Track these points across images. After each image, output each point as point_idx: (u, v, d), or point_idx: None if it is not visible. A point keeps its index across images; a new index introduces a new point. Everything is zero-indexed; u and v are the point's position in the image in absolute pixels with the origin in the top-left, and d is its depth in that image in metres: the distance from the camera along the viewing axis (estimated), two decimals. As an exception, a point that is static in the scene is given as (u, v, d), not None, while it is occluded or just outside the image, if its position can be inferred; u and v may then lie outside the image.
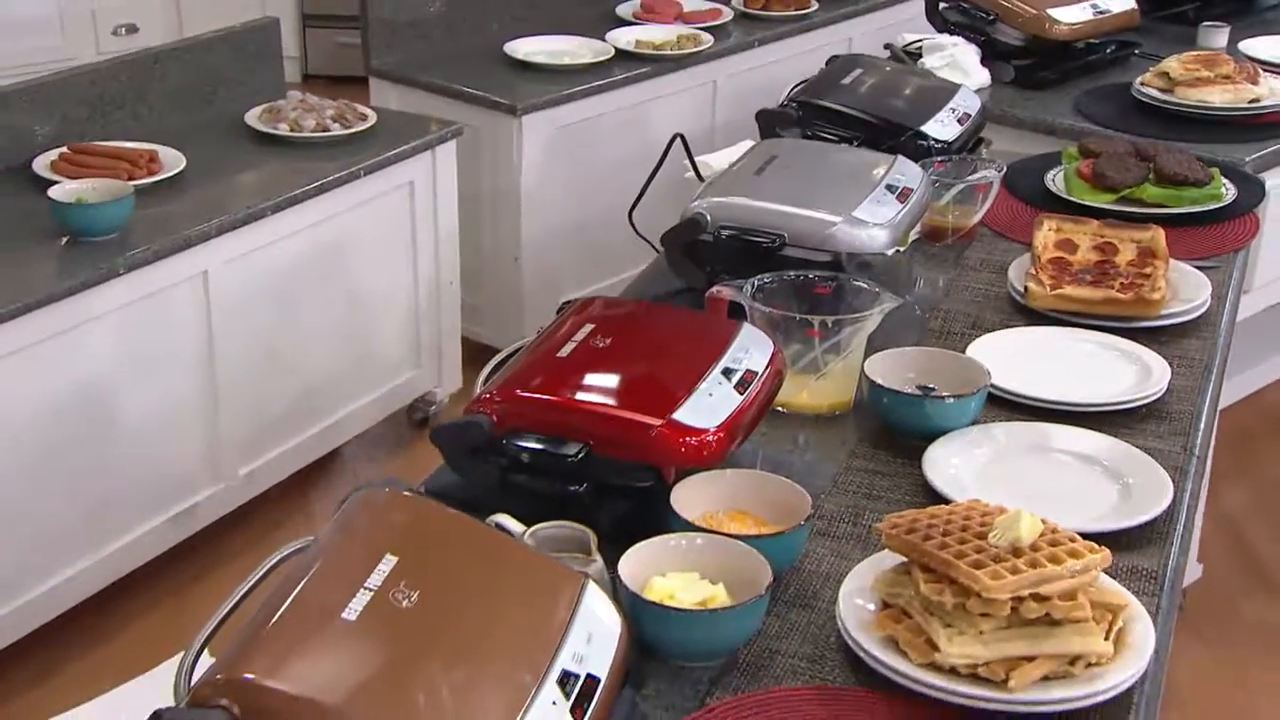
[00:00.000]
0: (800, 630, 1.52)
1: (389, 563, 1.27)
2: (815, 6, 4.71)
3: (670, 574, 1.49)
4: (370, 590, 1.24)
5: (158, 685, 1.29)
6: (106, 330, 2.93)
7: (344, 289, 3.51)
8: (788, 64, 4.33)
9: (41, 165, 3.22)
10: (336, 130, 3.54)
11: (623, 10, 4.60)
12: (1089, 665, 1.41)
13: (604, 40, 4.26)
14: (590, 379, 1.67)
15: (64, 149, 3.28)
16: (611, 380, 1.67)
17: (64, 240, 2.95)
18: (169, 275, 3.02)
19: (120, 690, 1.45)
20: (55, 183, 3.05)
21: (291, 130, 3.52)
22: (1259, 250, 2.98)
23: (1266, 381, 4.14)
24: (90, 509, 3.00)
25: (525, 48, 4.18)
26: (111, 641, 3.09)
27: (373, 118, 3.62)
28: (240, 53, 3.78)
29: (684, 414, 1.60)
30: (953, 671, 1.39)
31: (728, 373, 1.69)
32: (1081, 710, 1.39)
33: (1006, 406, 1.91)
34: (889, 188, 2.15)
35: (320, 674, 1.16)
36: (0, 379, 2.75)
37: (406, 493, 1.41)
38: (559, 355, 1.71)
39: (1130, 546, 1.63)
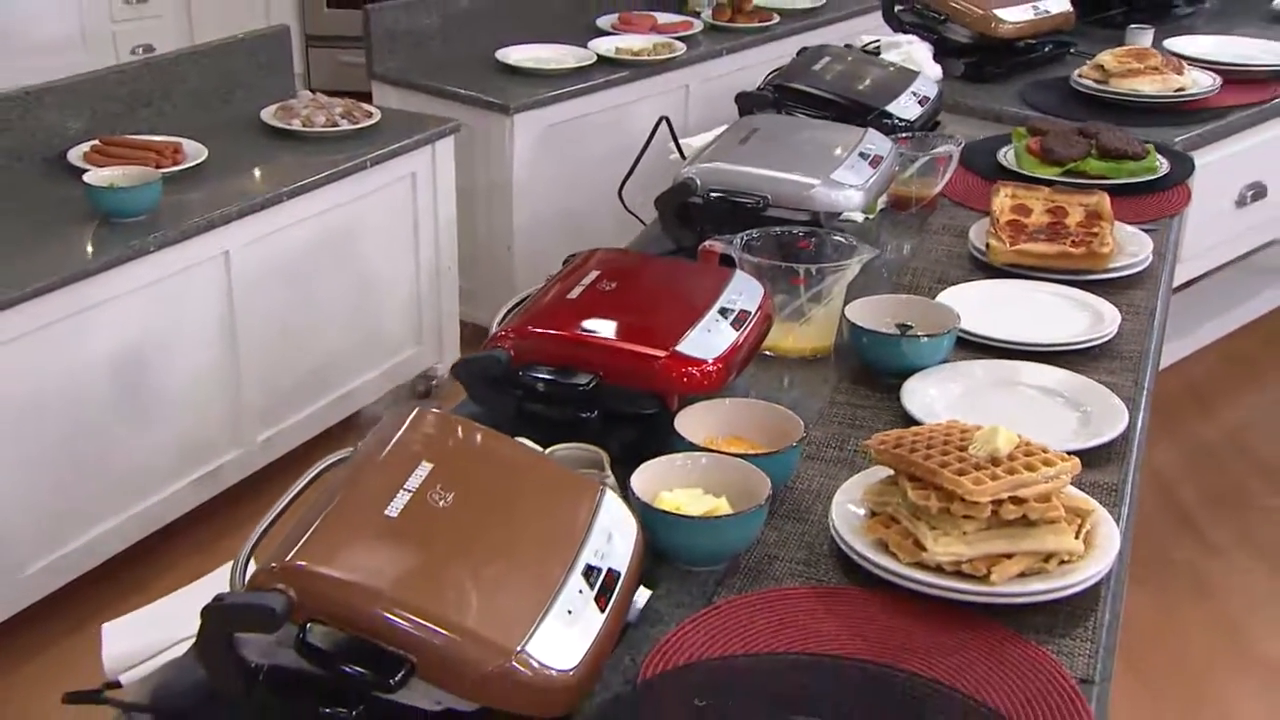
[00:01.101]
0: (795, 539, 1.51)
1: (425, 468, 1.26)
2: (776, 20, 4.72)
3: (676, 489, 1.48)
4: (409, 491, 1.22)
5: (207, 592, 1.27)
6: (137, 304, 2.89)
7: (352, 271, 3.48)
8: (753, 70, 4.27)
9: (75, 156, 3.18)
10: (345, 126, 3.51)
11: (602, 22, 4.59)
12: (1062, 562, 1.41)
13: (586, 48, 4.25)
14: (599, 317, 1.65)
15: (95, 141, 3.24)
16: (618, 318, 1.66)
17: (98, 222, 2.91)
18: (194, 255, 2.99)
19: (173, 595, 1.42)
20: (88, 171, 3.01)
21: (304, 126, 3.49)
22: (1183, 227, 2.99)
23: (1188, 352, 4.15)
24: (123, 470, 2.96)
25: (515, 55, 4.17)
26: (144, 592, 3.04)
27: (378, 115, 3.60)
28: (254, 58, 3.75)
29: (686, 346, 1.60)
30: (938, 569, 1.39)
31: (724, 312, 1.68)
32: (1057, 601, 1.39)
33: (974, 349, 1.91)
34: (861, 155, 2.14)
35: (367, 562, 1.15)
36: (42, 347, 2.71)
37: (436, 410, 1.39)
38: (569, 297, 1.70)
39: (1092, 465, 1.62)
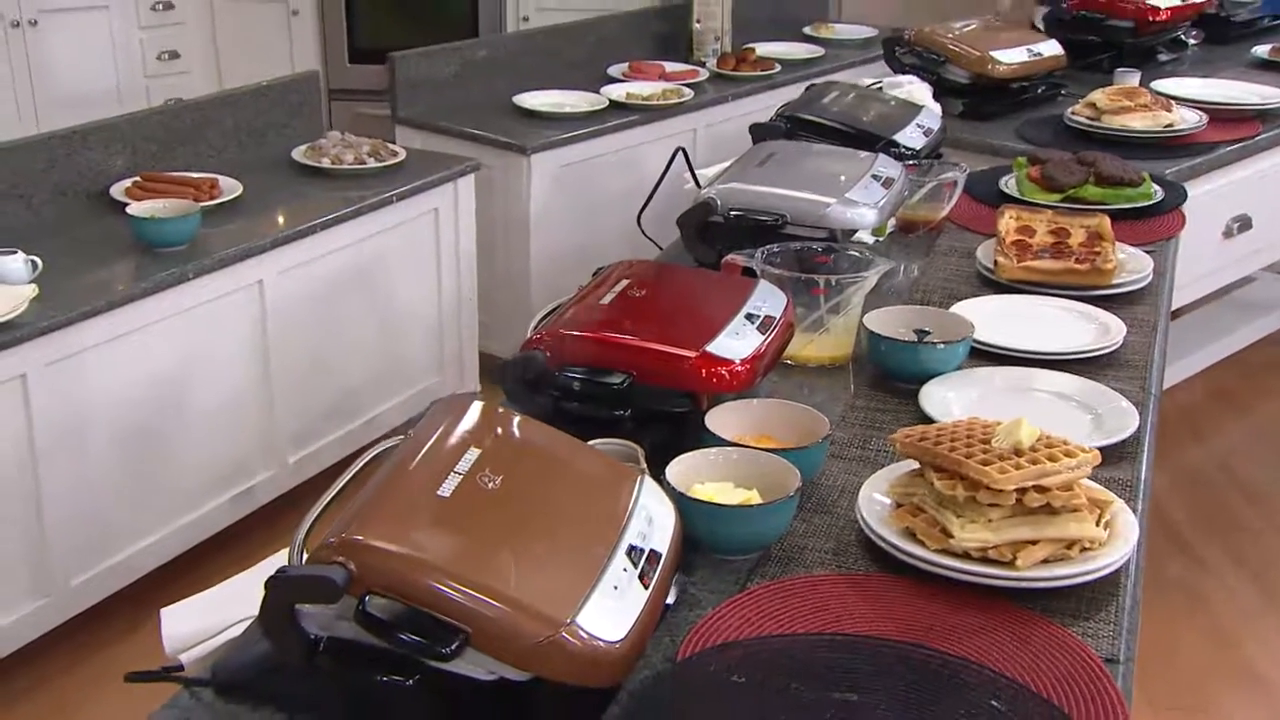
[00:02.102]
0: (823, 531, 1.50)
1: (473, 454, 1.25)
2: (778, 69, 4.74)
3: (708, 483, 1.47)
4: (459, 474, 1.21)
5: (260, 577, 1.25)
6: (177, 329, 2.89)
7: (378, 301, 3.48)
8: (758, 115, 4.26)
9: (117, 191, 3.18)
10: (371, 164, 3.52)
11: (614, 70, 4.61)
12: (1084, 549, 1.39)
13: (599, 94, 4.26)
14: (631, 320, 1.65)
15: (136, 177, 3.25)
16: (649, 321, 1.65)
17: (140, 251, 2.91)
18: (230, 283, 2.99)
19: (228, 581, 1.40)
20: (129, 205, 3.01)
21: (333, 164, 3.49)
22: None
23: (1174, 382, 4.14)
24: (162, 488, 2.94)
25: (531, 100, 4.18)
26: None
27: (403, 154, 3.61)
28: (285, 101, 3.76)
29: (715, 347, 1.59)
30: (965, 555, 1.37)
31: (750, 317, 1.67)
32: (1080, 585, 1.37)
33: (986, 358, 1.90)
34: (874, 177, 2.14)
35: (422, 537, 1.13)
36: (88, 369, 2.71)
37: (481, 402, 1.38)
38: (602, 303, 1.69)
39: (1106, 464, 1.60)
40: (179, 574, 3.03)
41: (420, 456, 1.23)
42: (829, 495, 1.57)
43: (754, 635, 1.30)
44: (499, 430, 1.31)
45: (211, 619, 1.29)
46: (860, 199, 2.04)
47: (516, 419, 1.35)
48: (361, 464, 1.30)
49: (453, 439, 1.26)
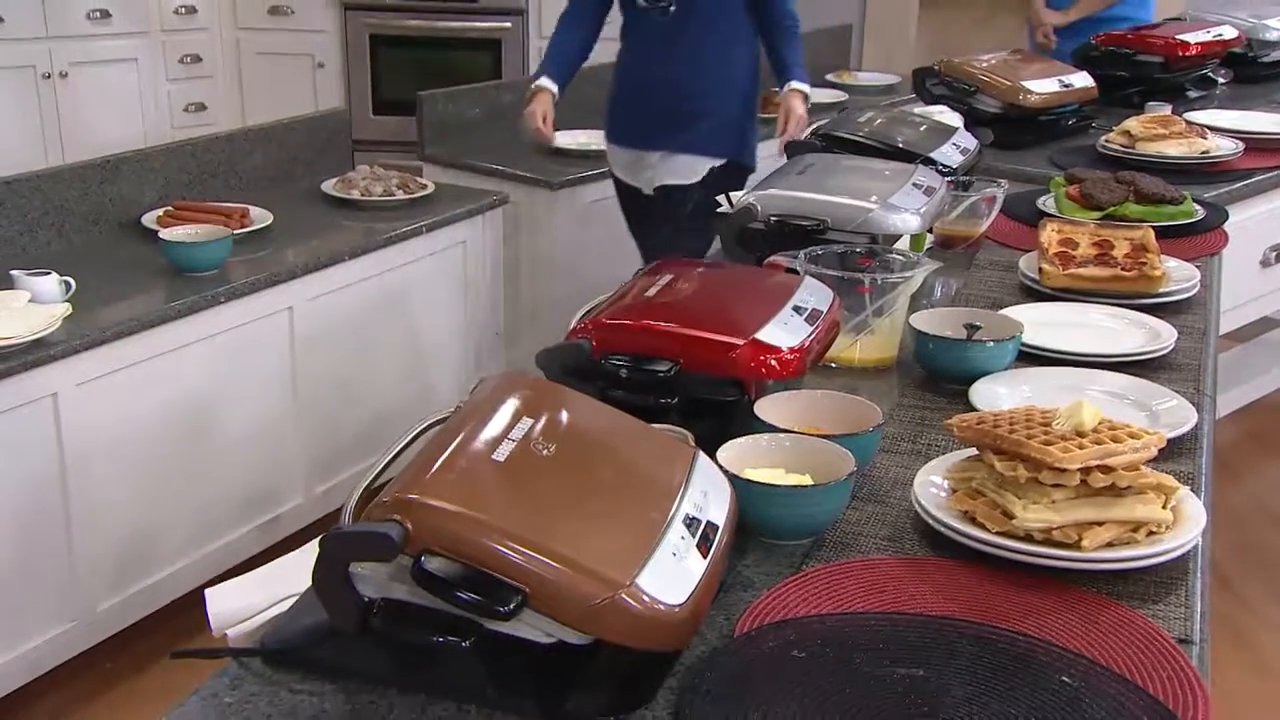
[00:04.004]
0: (878, 519, 1.46)
1: (527, 423, 1.22)
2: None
3: (760, 469, 1.43)
4: (514, 441, 1.18)
5: (304, 560, 1.22)
6: (207, 354, 2.87)
7: (406, 331, 3.46)
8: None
9: (149, 219, 3.19)
10: (400, 196, 3.52)
11: (640, 113, 4.61)
12: (1150, 533, 1.35)
13: (626, 133, 4.26)
14: (677, 311, 1.62)
15: (168, 206, 3.25)
16: (696, 311, 1.62)
17: (171, 276, 2.90)
18: (260, 308, 2.97)
19: (273, 564, 1.37)
20: (160, 232, 3.01)
21: (362, 195, 3.50)
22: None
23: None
24: (191, 513, 2.92)
25: (557, 138, 4.17)
26: (207, 633, 2.98)
27: (431, 186, 3.62)
28: (315, 136, 3.78)
29: (765, 335, 1.55)
30: (1027, 537, 1.33)
31: (798, 309, 1.64)
32: (1148, 568, 1.33)
33: (1035, 361, 1.86)
34: (915, 184, 2.12)
35: (478, 498, 1.10)
36: (119, 391, 2.69)
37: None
38: (647, 295, 1.66)
39: (1166, 459, 1.56)
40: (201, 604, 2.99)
41: (473, 425, 1.20)
42: (881, 486, 1.53)
43: (813, 613, 1.26)
44: (551, 402, 1.28)
45: (257, 596, 1.26)
46: (903, 204, 2.02)
47: (568, 393, 1.32)
48: (413, 434, 1.27)
49: (505, 410, 1.23)
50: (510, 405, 1.24)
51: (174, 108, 5.59)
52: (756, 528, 1.38)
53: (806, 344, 1.58)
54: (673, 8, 3.34)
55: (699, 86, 3.43)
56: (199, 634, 1.21)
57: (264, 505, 3.10)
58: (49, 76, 5.10)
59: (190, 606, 2.94)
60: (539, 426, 1.21)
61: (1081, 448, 1.33)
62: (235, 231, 3.09)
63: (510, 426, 1.20)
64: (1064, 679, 1.15)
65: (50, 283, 2.67)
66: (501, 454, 1.16)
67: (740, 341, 1.54)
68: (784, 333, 1.57)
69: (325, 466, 3.25)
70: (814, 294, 1.70)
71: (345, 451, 3.30)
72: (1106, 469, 1.33)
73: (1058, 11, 4.63)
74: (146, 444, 2.78)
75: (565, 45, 3.55)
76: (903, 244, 2.09)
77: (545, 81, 3.52)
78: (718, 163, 3.47)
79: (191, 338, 2.82)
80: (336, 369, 3.23)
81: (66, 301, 2.65)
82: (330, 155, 3.81)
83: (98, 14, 5.23)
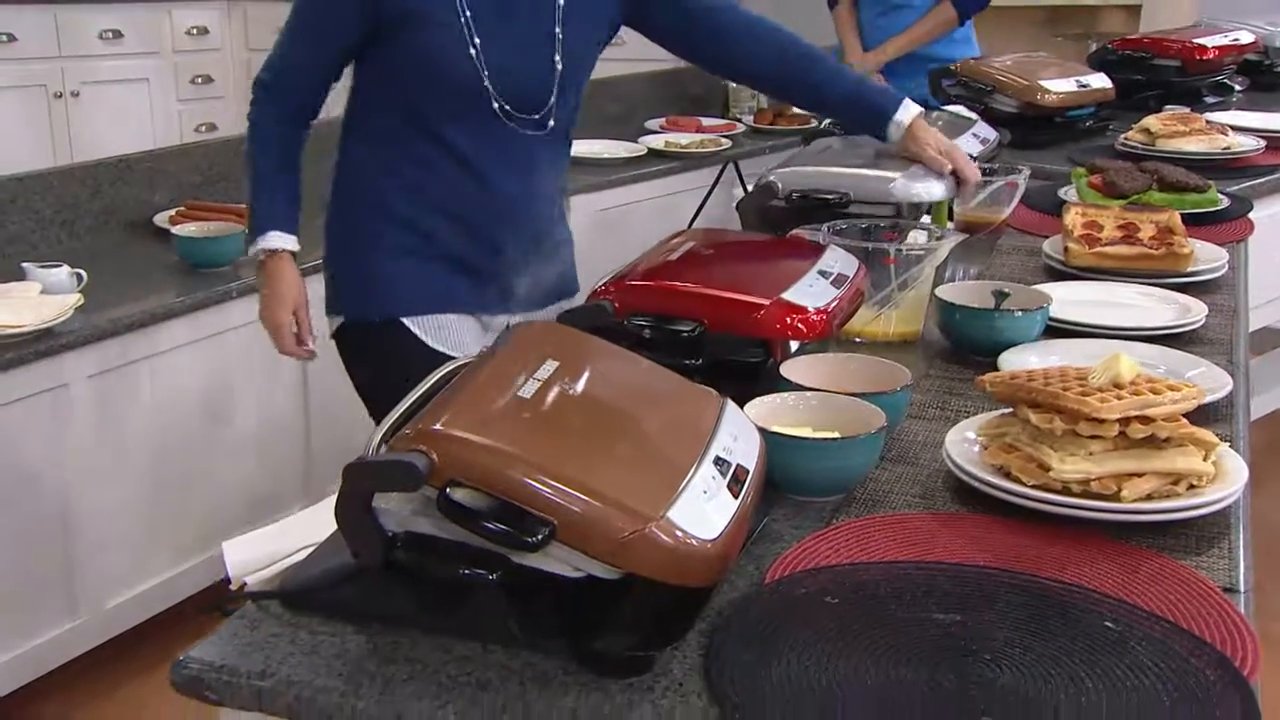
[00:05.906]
0: (908, 479, 1.43)
1: (552, 364, 1.19)
2: (815, 124, 4.72)
3: (787, 427, 1.40)
4: (539, 380, 1.16)
5: (323, 514, 1.19)
6: (218, 349, 2.85)
7: (420, 336, 3.43)
8: (798, 164, 4.31)
9: (161, 218, 3.18)
10: (414, 199, 3.50)
11: (651, 124, 4.61)
12: (1190, 486, 1.32)
13: (637, 143, 4.26)
14: (702, 273, 1.60)
15: (180, 206, 3.24)
16: (722, 273, 1.61)
17: (183, 272, 2.89)
18: (272, 306, 2.95)
19: (291, 518, 1.34)
20: (171, 231, 3.00)
21: (376, 198, 3.48)
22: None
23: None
24: (198, 514, 2.88)
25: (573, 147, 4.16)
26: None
27: (445, 191, 3.59)
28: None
29: (791, 296, 1.53)
30: (1064, 490, 1.30)
31: (824, 274, 1.62)
32: (1189, 520, 1.29)
33: (1063, 336, 1.83)
34: (936, 166, 2.09)
35: (503, 430, 1.08)
36: (130, 384, 2.67)
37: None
38: (671, 259, 1.64)
39: (1202, 422, 1.53)
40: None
41: (499, 364, 1.18)
42: (910, 448, 1.50)
43: (845, 562, 1.23)
44: (579, 348, 1.26)
45: (276, 545, 1.23)
46: (927, 172, 1.99)
47: (593, 339, 1.29)
48: (437, 376, 1.24)
49: (531, 352, 1.21)
50: (538, 348, 1.22)
51: (184, 128, 5.59)
52: (785, 483, 1.35)
53: (832, 307, 1.56)
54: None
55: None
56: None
57: (272, 508, 3.05)
58: (60, 96, 5.12)
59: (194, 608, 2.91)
60: (567, 368, 1.19)
61: (1120, 398, 1.31)
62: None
63: (537, 366, 1.18)
64: (1107, 624, 1.12)
65: (62, 274, 2.65)
66: (528, 391, 1.13)
67: (766, 302, 1.51)
68: (810, 295, 1.55)
69: (335, 471, 3.21)
70: (839, 260, 1.68)
71: (356, 452, 3.26)
72: (1146, 420, 1.30)
73: (870, 53, 4.11)
74: (155, 442, 2.75)
75: (289, 165, 2.30)
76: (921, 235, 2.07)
77: (281, 239, 2.22)
78: None
79: (203, 333, 2.80)
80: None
81: (78, 293, 2.63)
82: (342, 161, 3.79)
83: (110, 34, 5.25)
